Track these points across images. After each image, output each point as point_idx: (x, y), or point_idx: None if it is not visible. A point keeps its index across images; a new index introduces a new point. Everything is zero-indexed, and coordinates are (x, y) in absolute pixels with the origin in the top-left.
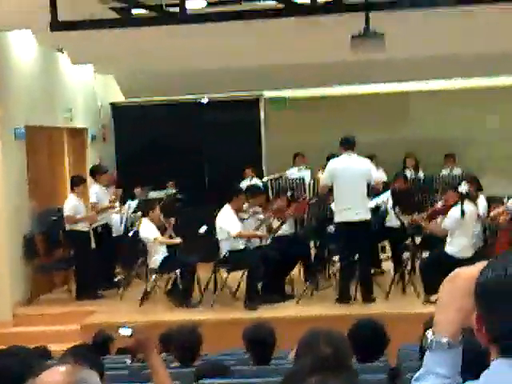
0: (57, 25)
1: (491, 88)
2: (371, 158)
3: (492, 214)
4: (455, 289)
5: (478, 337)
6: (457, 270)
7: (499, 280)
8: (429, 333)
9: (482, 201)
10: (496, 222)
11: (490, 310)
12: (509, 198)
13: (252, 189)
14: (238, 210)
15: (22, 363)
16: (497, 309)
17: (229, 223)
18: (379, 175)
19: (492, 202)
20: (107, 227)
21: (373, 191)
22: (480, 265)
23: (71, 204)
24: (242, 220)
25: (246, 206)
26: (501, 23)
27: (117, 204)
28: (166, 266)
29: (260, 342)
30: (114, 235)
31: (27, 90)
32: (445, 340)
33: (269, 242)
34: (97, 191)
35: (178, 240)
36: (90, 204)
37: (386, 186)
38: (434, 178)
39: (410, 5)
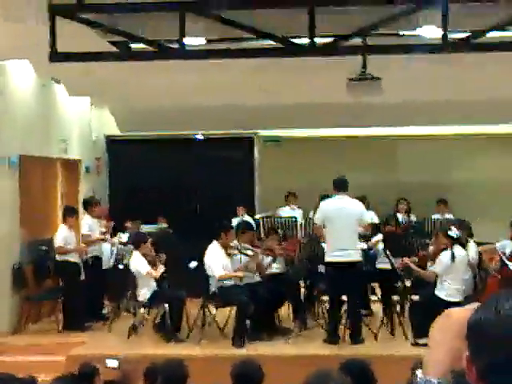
0: (56, 56)
1: (483, 135)
2: (362, 199)
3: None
4: (446, 329)
5: (468, 377)
6: (448, 310)
7: (491, 320)
8: (418, 372)
9: (472, 246)
10: (487, 267)
11: (481, 349)
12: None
13: (242, 225)
14: (226, 247)
15: None
16: (487, 348)
17: (214, 263)
18: (369, 218)
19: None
20: (97, 259)
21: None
22: (472, 306)
23: (62, 235)
24: (230, 256)
25: (235, 242)
26: (494, 72)
27: (108, 236)
28: (154, 299)
29: (247, 379)
30: (103, 267)
31: (23, 120)
32: (434, 380)
33: (259, 279)
34: (89, 223)
35: (161, 268)
36: (81, 235)
37: (377, 229)
38: (425, 222)
39: (407, 50)
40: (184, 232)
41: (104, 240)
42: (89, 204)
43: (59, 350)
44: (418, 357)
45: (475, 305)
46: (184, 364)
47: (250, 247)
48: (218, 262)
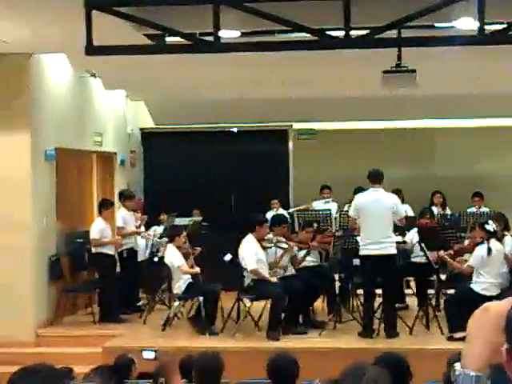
0: (91, 49)
1: None
2: (397, 192)
3: None
4: (484, 322)
5: (507, 370)
6: (486, 304)
7: None
8: (457, 366)
9: (508, 240)
10: None
11: None
12: None
13: (276, 219)
14: (260, 240)
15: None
16: None
17: (247, 256)
18: (404, 211)
19: None
20: (133, 251)
21: (399, 227)
22: (510, 299)
23: (98, 227)
24: (265, 249)
25: (270, 235)
26: None
27: (142, 229)
28: (189, 292)
29: (283, 373)
30: (139, 260)
31: (59, 113)
32: (472, 373)
33: (293, 272)
34: (123, 215)
35: (197, 270)
36: (116, 228)
37: (413, 222)
38: (461, 215)
39: (443, 42)
40: (218, 225)
41: (138, 233)
42: (123, 197)
43: (95, 342)
44: (453, 351)
45: None
46: (219, 356)
47: (285, 240)
48: (252, 254)
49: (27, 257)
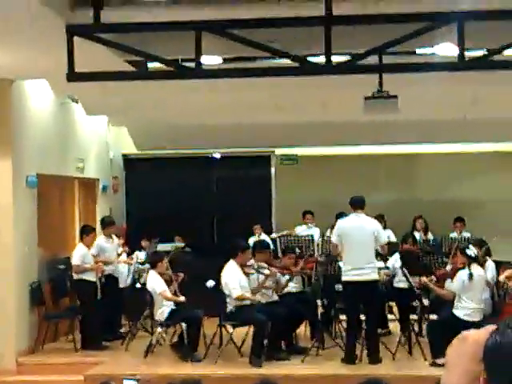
0: (73, 75)
1: (502, 152)
2: (380, 218)
3: (501, 278)
4: (462, 351)
5: None
6: (465, 333)
7: (508, 344)
8: None
9: (490, 265)
10: (505, 287)
11: (497, 372)
12: None
13: (258, 245)
14: (243, 266)
15: None
16: (504, 370)
17: (231, 283)
18: (386, 236)
19: (501, 266)
20: (112, 278)
21: (380, 253)
22: (488, 328)
23: (79, 253)
24: (247, 275)
25: (252, 261)
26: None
27: (124, 256)
28: (172, 318)
29: None
30: (121, 286)
31: (41, 139)
32: None
33: (276, 298)
34: (100, 243)
35: (181, 298)
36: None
37: (394, 247)
38: (443, 240)
39: (424, 68)
40: (201, 251)
41: (119, 262)
42: (103, 223)
43: (76, 370)
44: (436, 377)
45: (492, 327)
46: (201, 383)
47: (267, 266)
48: (235, 281)
49: (8, 283)
